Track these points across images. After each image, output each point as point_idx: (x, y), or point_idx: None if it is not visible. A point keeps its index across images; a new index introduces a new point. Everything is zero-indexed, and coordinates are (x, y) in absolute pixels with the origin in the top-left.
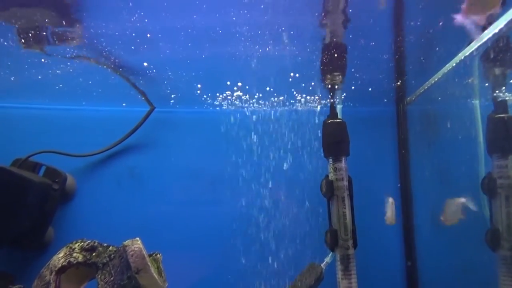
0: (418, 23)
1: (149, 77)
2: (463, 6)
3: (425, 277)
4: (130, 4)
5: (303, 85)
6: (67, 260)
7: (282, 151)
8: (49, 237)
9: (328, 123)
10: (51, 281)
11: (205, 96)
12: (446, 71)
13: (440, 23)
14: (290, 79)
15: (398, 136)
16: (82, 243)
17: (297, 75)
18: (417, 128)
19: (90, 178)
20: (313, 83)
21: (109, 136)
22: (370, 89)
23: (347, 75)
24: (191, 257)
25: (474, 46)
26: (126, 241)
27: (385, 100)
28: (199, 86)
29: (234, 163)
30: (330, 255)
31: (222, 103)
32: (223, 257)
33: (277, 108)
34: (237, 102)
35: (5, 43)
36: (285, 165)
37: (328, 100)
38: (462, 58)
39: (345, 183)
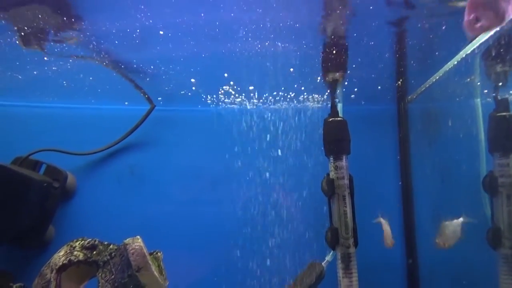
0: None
1: (150, 75)
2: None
3: (426, 275)
4: (130, 1)
5: (304, 83)
6: (68, 259)
7: (283, 149)
8: (50, 235)
9: (329, 122)
10: (52, 279)
11: (206, 94)
12: (447, 69)
13: (443, 27)
14: (291, 77)
15: (399, 135)
16: (83, 242)
17: (298, 73)
18: (418, 126)
19: (90, 177)
20: (314, 81)
21: (109, 134)
22: (371, 87)
23: (348, 73)
24: (192, 256)
25: (475, 44)
26: (127, 239)
27: (386, 99)
28: (199, 84)
29: (235, 162)
30: (331, 254)
31: (224, 101)
32: (223, 256)
33: (279, 106)
34: (239, 100)
35: (5, 42)
36: (286, 163)
37: (326, 96)
38: (464, 56)
39: (346, 181)
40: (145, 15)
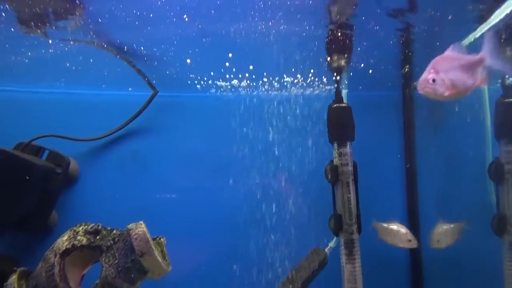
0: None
1: (152, 61)
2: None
3: (429, 261)
4: None
5: (308, 68)
6: (71, 243)
7: (286, 136)
8: (53, 221)
9: (333, 108)
10: (56, 263)
11: (209, 80)
12: None
13: (450, 17)
14: (295, 62)
15: (404, 121)
16: (86, 227)
17: (302, 58)
18: (424, 113)
19: (93, 162)
20: (318, 67)
21: (112, 120)
22: (376, 73)
23: (353, 59)
24: (194, 242)
25: (484, 28)
26: (130, 225)
27: (391, 85)
28: (202, 69)
29: (237, 148)
30: (334, 240)
31: (227, 87)
32: (226, 242)
33: (282, 92)
34: (242, 86)
35: (5, 25)
36: (289, 150)
37: (331, 82)
38: (472, 40)
39: (350, 168)
40: None
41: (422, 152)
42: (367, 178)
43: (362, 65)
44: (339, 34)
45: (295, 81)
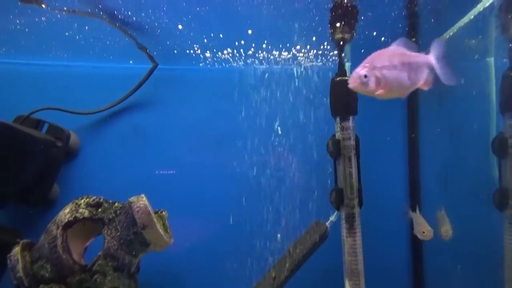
0: None
1: (152, 33)
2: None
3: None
4: None
5: (312, 40)
6: (73, 216)
7: (289, 109)
8: (55, 194)
9: (336, 81)
10: (58, 235)
11: (209, 52)
12: (462, 24)
13: None
14: (299, 34)
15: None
16: (88, 199)
17: (306, 29)
18: None
19: (93, 136)
20: (322, 39)
21: (112, 93)
22: (380, 45)
23: (357, 31)
24: (196, 215)
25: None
26: (132, 198)
27: None
28: (202, 41)
29: (239, 122)
30: (335, 214)
31: (227, 59)
32: (228, 215)
33: (285, 64)
34: (244, 58)
35: None
36: (292, 123)
37: (334, 55)
38: (481, 10)
39: (352, 142)
40: None
41: (426, 126)
42: (369, 152)
43: (364, 38)
44: (345, 1)
45: (299, 53)
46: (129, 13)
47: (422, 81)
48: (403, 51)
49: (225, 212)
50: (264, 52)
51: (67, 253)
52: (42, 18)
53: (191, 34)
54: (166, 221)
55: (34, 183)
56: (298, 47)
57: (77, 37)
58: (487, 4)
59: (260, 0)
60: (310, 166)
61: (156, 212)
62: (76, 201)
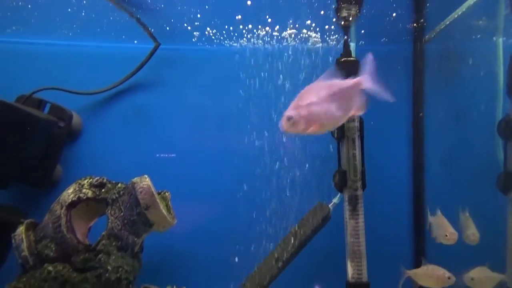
0: None
1: (154, 12)
2: None
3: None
4: None
5: (316, 20)
6: (77, 196)
7: (292, 90)
8: (58, 175)
9: (341, 62)
10: (62, 215)
11: (213, 32)
12: (471, 3)
13: None
14: (303, 13)
15: (413, 76)
16: (91, 180)
17: (310, 8)
18: (435, 67)
19: (96, 117)
20: (326, 18)
21: (114, 74)
22: (385, 26)
23: (362, 10)
24: (198, 196)
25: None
26: (135, 178)
27: (402, 38)
28: (206, 21)
29: (243, 103)
30: (338, 196)
31: (232, 39)
32: (230, 197)
33: (289, 44)
34: (247, 39)
35: None
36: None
37: (339, 35)
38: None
39: (356, 124)
40: None
41: (431, 107)
42: (373, 134)
43: (370, 17)
44: None
45: (303, 34)
46: None
47: (356, 107)
48: (331, 82)
49: (227, 194)
50: (268, 31)
51: (71, 232)
52: None
53: (195, 12)
54: (169, 202)
55: (37, 164)
56: (306, 26)
57: (80, 14)
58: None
59: None
60: (314, 148)
61: (159, 193)
62: (80, 181)
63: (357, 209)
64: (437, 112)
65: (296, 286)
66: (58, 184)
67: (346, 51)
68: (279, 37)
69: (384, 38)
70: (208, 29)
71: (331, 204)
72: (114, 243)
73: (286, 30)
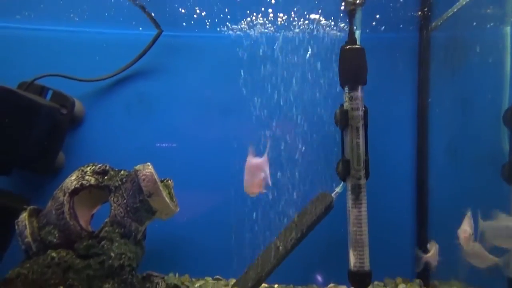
0: None
1: None
2: None
3: (435, 207)
4: None
5: (321, 6)
6: (80, 183)
7: (296, 78)
8: (61, 162)
9: (346, 49)
10: (65, 202)
11: (216, 19)
12: None
13: None
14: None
15: (419, 64)
16: (94, 167)
17: None
18: (441, 55)
19: (98, 104)
20: (331, 5)
21: (117, 60)
22: (391, 13)
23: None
24: (201, 184)
25: None
26: (137, 166)
27: (408, 26)
28: (209, 8)
29: (246, 90)
30: (341, 185)
31: (235, 26)
32: (232, 185)
33: (292, 32)
34: (250, 26)
35: None
36: (299, 93)
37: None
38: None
39: (361, 113)
40: None
41: (437, 96)
42: (378, 123)
43: (375, 5)
44: None
45: (307, 20)
46: None
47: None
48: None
49: (229, 182)
50: (273, 18)
51: (74, 219)
52: None
53: (199, 0)
54: (172, 190)
55: (39, 150)
56: (310, 12)
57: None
58: None
59: None
60: (318, 137)
61: (162, 181)
62: (82, 168)
63: (360, 198)
64: (442, 101)
65: (298, 275)
66: (60, 171)
67: (351, 38)
68: (284, 24)
69: (389, 26)
70: (211, 15)
71: (334, 193)
72: (117, 230)
73: (291, 17)
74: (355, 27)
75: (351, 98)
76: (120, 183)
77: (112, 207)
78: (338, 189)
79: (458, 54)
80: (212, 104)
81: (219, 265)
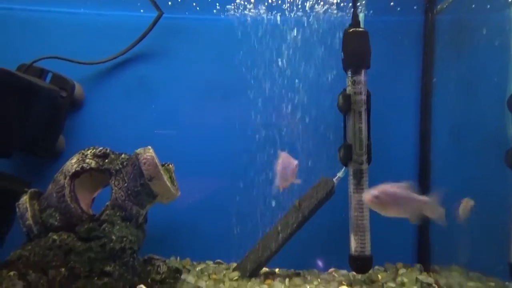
0: None
1: None
2: None
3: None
4: None
5: None
6: (80, 166)
7: (298, 62)
8: (61, 145)
9: (350, 33)
10: (66, 185)
11: (217, 2)
12: None
13: None
14: None
15: (424, 47)
16: (94, 150)
17: None
18: (446, 38)
19: (98, 87)
20: None
21: (117, 43)
22: None
23: None
24: (202, 168)
25: None
26: (138, 149)
27: (413, 9)
28: None
29: (247, 74)
30: (343, 170)
31: (237, 9)
32: (234, 169)
33: (294, 14)
34: (252, 9)
35: None
36: (301, 76)
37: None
38: None
39: (363, 97)
40: None
41: (441, 79)
42: (380, 107)
43: None
44: None
45: (310, 2)
46: None
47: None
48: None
49: (230, 166)
50: (276, 1)
51: (75, 202)
52: None
53: None
54: (173, 174)
55: (40, 133)
56: None
57: None
58: None
59: None
60: (320, 121)
61: (163, 165)
62: (83, 151)
63: (362, 183)
64: (447, 85)
65: (299, 260)
66: (61, 155)
67: (355, 21)
68: (287, 7)
69: (394, 9)
70: None
71: (336, 178)
72: (118, 213)
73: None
74: (359, 10)
75: (354, 82)
76: (121, 166)
77: (113, 191)
78: (340, 174)
79: (463, 37)
80: (214, 88)
81: (220, 249)
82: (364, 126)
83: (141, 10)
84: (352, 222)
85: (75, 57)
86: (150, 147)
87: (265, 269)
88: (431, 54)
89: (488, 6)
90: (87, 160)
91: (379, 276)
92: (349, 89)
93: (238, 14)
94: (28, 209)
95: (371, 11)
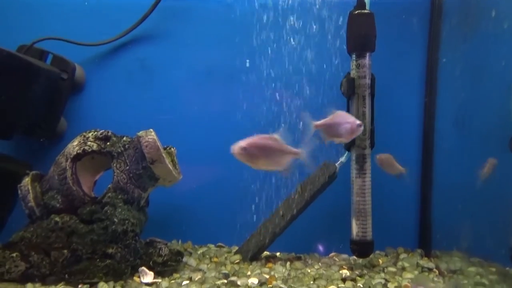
0: None
1: None
2: None
3: (440, 181)
4: None
5: None
6: (82, 148)
7: (302, 45)
8: (62, 127)
9: (355, 15)
10: (67, 167)
11: None
12: None
13: None
14: None
15: (430, 30)
16: (96, 133)
17: None
18: (454, 21)
19: (99, 69)
20: None
21: (118, 25)
22: None
23: None
24: (203, 152)
25: None
26: (140, 132)
27: None
28: None
29: (250, 57)
30: (345, 155)
31: None
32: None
33: None
34: None
35: None
36: (304, 60)
37: None
38: None
39: (368, 81)
40: None
41: (447, 64)
42: (385, 92)
43: None
44: None
45: None
46: None
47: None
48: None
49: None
50: None
51: (77, 184)
52: None
53: None
54: (175, 157)
55: (41, 116)
56: None
57: None
58: None
59: None
60: (322, 106)
61: (164, 148)
62: (85, 134)
63: (365, 168)
64: (453, 69)
65: (300, 244)
66: (62, 137)
67: (360, 3)
68: None
69: None
70: None
71: (338, 162)
72: (120, 196)
73: None
74: None
75: (358, 66)
76: (122, 149)
77: (115, 173)
78: (342, 159)
79: (471, 19)
80: (216, 71)
81: (222, 232)
82: (368, 110)
83: None
84: (354, 207)
85: (76, 39)
86: (151, 130)
87: (266, 253)
88: (437, 37)
89: None
90: (89, 143)
91: (380, 261)
92: (353, 73)
93: None
94: (30, 191)
95: None
